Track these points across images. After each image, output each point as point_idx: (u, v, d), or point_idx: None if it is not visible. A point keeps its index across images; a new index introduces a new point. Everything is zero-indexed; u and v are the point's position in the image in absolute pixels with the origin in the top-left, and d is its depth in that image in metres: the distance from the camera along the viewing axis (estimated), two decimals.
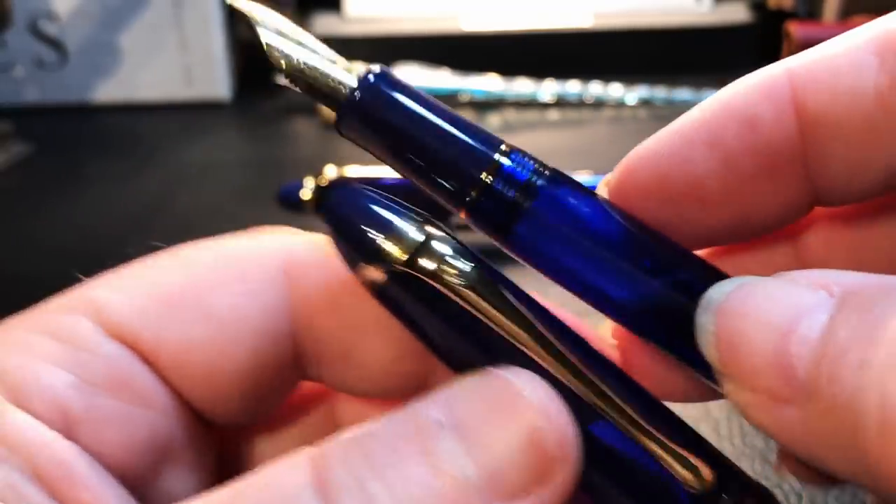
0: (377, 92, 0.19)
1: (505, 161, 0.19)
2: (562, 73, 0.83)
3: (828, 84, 0.19)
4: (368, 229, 0.19)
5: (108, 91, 0.86)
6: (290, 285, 0.22)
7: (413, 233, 0.19)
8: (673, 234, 0.21)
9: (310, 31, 0.21)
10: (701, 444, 0.20)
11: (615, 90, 0.81)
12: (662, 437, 0.19)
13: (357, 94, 0.19)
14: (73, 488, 0.18)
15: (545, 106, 0.82)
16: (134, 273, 0.21)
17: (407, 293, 0.19)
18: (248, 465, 0.25)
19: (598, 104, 0.81)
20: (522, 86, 0.82)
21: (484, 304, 0.19)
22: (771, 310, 0.17)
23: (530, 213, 0.19)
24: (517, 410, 0.18)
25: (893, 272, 0.18)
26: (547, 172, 0.20)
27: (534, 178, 0.19)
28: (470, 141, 0.19)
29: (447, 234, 0.19)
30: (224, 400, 0.22)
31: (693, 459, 0.19)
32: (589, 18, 0.91)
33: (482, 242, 0.21)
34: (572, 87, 0.81)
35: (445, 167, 0.19)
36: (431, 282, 0.18)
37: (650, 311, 0.20)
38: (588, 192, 0.20)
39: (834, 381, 0.16)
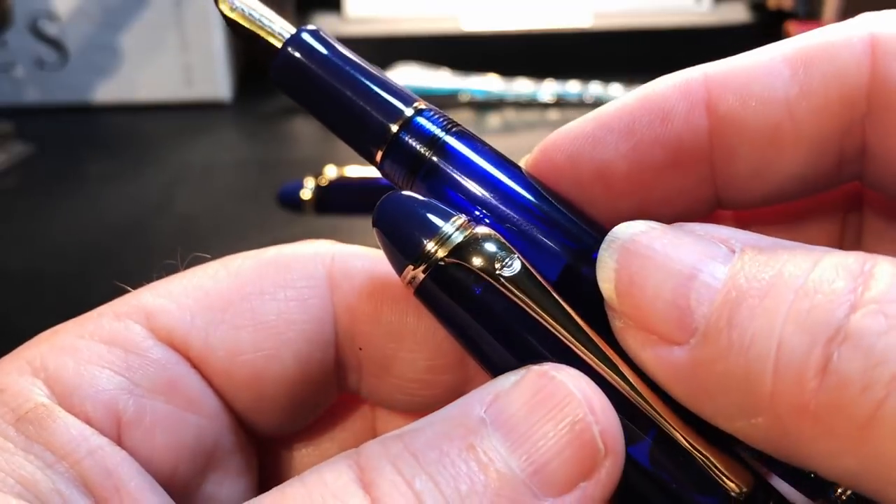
0: (306, 47, 0.21)
1: (415, 116, 0.21)
2: (562, 73, 0.83)
3: (740, 89, 0.20)
4: (415, 230, 0.19)
5: (108, 91, 0.86)
6: (334, 293, 0.22)
7: (456, 233, 0.19)
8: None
9: None
10: (734, 452, 0.20)
11: (615, 90, 0.81)
12: (703, 439, 0.19)
13: (289, 48, 0.21)
14: (117, 497, 0.18)
15: (545, 106, 0.82)
16: (182, 280, 0.21)
17: (450, 292, 0.19)
18: (290, 476, 0.25)
19: (598, 104, 0.81)
20: (522, 86, 0.82)
21: (525, 298, 0.19)
22: (672, 254, 0.18)
23: (434, 165, 0.21)
24: (561, 404, 0.18)
25: None
26: (454, 129, 0.21)
27: (440, 134, 0.21)
28: (385, 96, 0.21)
29: (491, 233, 0.20)
30: (269, 406, 0.22)
31: (733, 462, 0.19)
32: (589, 18, 0.91)
33: None
34: (572, 87, 0.81)
35: (361, 119, 0.21)
36: (482, 275, 0.19)
37: (541, 264, 0.20)
38: (493, 152, 0.21)
39: (733, 326, 0.16)
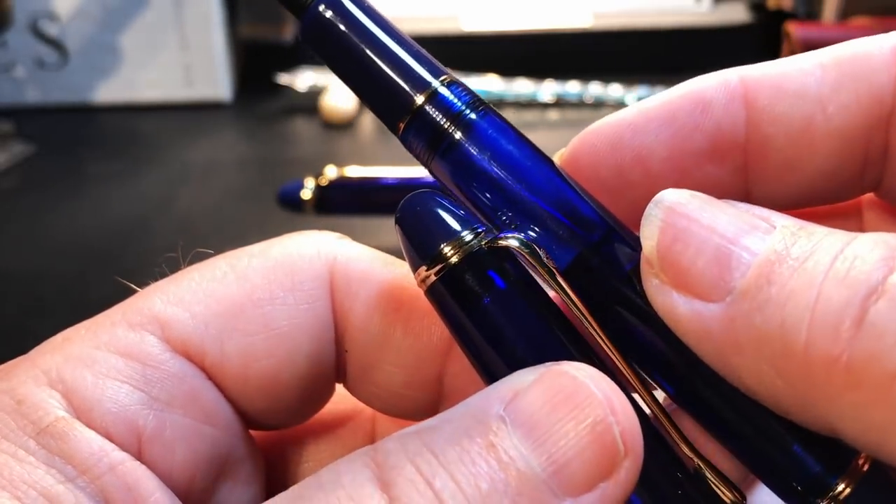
0: (337, 5, 0.21)
1: (442, 89, 0.20)
2: (562, 73, 0.83)
3: (775, 84, 0.21)
4: (433, 232, 0.19)
5: (109, 91, 0.86)
6: (334, 294, 0.22)
7: (473, 239, 0.19)
8: (616, 204, 0.22)
9: None
10: (724, 475, 0.20)
11: (615, 90, 0.81)
12: (702, 454, 0.19)
13: (319, 5, 0.20)
14: None
15: (545, 106, 0.82)
16: (191, 285, 0.21)
17: (459, 296, 0.20)
18: (294, 469, 0.25)
19: (598, 104, 0.81)
20: (522, 86, 0.82)
21: (558, 288, 0.19)
22: (716, 221, 0.18)
23: (457, 142, 0.20)
24: (582, 404, 0.18)
25: None
26: (481, 107, 0.21)
27: (466, 111, 0.20)
28: (414, 65, 0.21)
29: (507, 243, 0.20)
30: (279, 406, 0.22)
31: (726, 479, 0.20)
32: (589, 18, 0.91)
33: None
34: (572, 87, 0.81)
35: (387, 86, 0.20)
36: (493, 282, 0.19)
37: (554, 253, 0.20)
38: (518, 133, 0.21)
39: (772, 283, 0.17)
